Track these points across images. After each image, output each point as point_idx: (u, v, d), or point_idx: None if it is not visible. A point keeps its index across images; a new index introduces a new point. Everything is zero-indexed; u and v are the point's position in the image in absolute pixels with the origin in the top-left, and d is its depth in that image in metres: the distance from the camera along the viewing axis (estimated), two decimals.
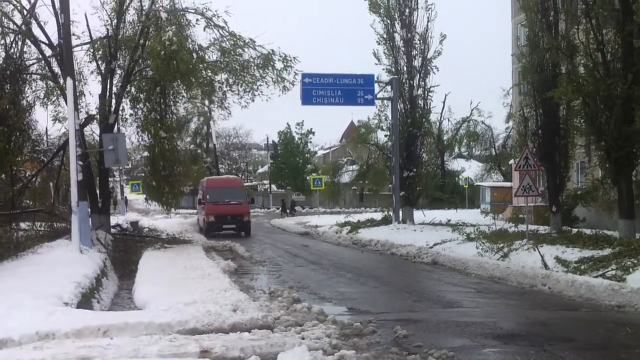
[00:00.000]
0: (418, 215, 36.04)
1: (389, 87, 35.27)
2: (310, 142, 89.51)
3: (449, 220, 33.58)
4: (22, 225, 23.26)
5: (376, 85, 35.48)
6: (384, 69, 34.98)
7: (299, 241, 32.24)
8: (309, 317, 11.55)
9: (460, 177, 71.80)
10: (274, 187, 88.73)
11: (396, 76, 34.37)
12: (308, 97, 34.73)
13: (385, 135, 38.91)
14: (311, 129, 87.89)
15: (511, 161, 45.30)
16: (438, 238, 25.59)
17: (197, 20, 26.07)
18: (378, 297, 15.29)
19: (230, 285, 14.05)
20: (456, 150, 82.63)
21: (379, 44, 34.46)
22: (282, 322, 11.04)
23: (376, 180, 55.34)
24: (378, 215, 38.24)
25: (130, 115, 28.11)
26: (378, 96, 35.63)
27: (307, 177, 76.39)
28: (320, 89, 34.85)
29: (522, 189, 22.35)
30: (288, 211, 65.95)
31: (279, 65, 26.37)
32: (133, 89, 28.14)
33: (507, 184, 50.04)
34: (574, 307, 13.54)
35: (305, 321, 11.15)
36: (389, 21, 34.27)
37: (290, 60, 26.36)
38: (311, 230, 38.24)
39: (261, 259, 23.29)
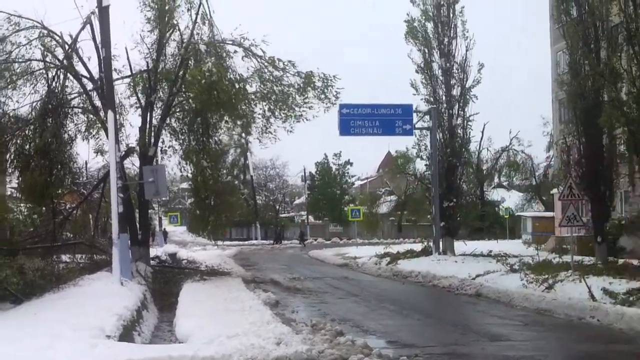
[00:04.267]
0: (459, 246, 35.59)
1: (427, 117, 35.09)
2: (348, 172, 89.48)
3: (491, 251, 33.05)
4: (63, 257, 23.43)
5: (414, 114, 35.31)
6: (422, 99, 34.89)
7: (339, 273, 31.99)
8: (353, 350, 11.32)
9: (501, 207, 71.07)
10: (311, 218, 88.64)
11: (435, 106, 34.22)
12: (346, 128, 34.67)
13: (425, 165, 38.69)
14: (349, 159, 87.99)
15: (553, 190, 44.70)
16: (480, 269, 25.15)
17: (235, 50, 26.25)
18: (423, 330, 15.01)
19: (272, 318, 13.89)
20: (496, 180, 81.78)
21: (417, 72, 34.43)
22: (326, 355, 10.82)
23: (415, 211, 55.11)
24: (417, 246, 37.83)
25: (170, 147, 28.33)
26: (417, 126, 35.45)
27: (345, 208, 76.24)
28: (358, 119, 34.78)
29: (567, 219, 21.92)
30: (299, 241, 67.56)
31: (319, 84, 26.36)
32: (173, 121, 28.38)
33: (549, 214, 49.25)
34: (625, 340, 13.12)
35: (350, 355, 10.93)
36: (426, 50, 34.24)
37: (330, 79, 26.32)
38: (350, 262, 37.94)
39: (302, 291, 23.10)
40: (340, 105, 31.95)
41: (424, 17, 34.57)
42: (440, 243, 33.79)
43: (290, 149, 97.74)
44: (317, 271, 33.06)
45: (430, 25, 34.54)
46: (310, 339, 12.18)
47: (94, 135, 28.03)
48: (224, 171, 31.44)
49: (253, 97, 26.44)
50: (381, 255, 36.50)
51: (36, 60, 25.52)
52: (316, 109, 26.55)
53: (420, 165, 41.47)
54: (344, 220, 76.30)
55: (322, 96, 26.31)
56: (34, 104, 25.76)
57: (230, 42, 26.26)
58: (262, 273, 30.01)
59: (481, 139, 67.63)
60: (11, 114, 25.59)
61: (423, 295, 22.76)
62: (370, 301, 20.17)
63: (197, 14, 26.80)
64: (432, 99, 34.51)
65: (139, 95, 27.99)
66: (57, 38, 25.59)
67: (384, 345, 12.31)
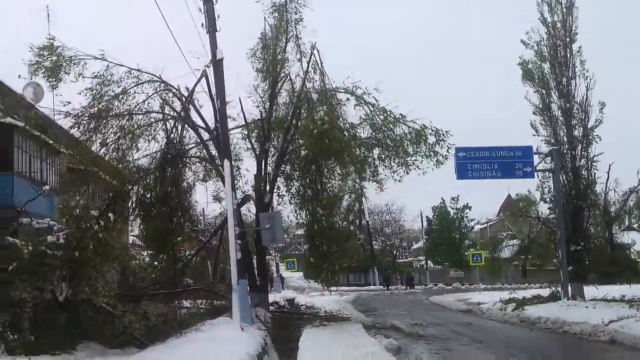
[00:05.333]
0: (589, 290, 34.18)
1: (548, 159, 34.22)
2: (466, 216, 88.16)
3: (624, 296, 31.54)
4: (185, 303, 24.13)
5: (535, 156, 34.52)
6: (542, 140, 34.06)
7: (461, 319, 31.32)
8: None
9: (632, 250, 67.95)
10: (430, 263, 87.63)
11: (556, 147, 33.35)
12: (463, 172, 34.19)
13: (549, 208, 37.61)
14: (467, 203, 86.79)
15: None
16: (614, 315, 23.98)
17: (347, 98, 26.59)
18: None
19: None
20: (626, 222, 78.24)
21: (534, 114, 33.81)
22: None
23: (540, 255, 53.29)
24: (544, 292, 36.55)
25: (286, 193, 28.91)
26: (538, 168, 34.59)
27: (465, 253, 75.08)
28: (476, 163, 34.24)
29: None
30: (405, 286, 69.56)
31: (431, 139, 26.16)
32: (287, 168, 28.98)
33: None
34: None
35: None
36: (544, 91, 33.61)
37: (443, 135, 26.11)
38: (473, 307, 37.12)
39: (424, 337, 22.77)
40: (457, 149, 31.59)
41: (539, 59, 34.04)
42: (569, 288, 32.58)
43: (406, 194, 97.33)
44: (439, 317, 32.50)
45: (546, 66, 33.92)
46: None
47: (210, 183, 29.08)
48: (339, 217, 31.64)
49: (365, 143, 26.59)
50: (506, 300, 35.53)
51: (155, 112, 26.73)
52: (426, 164, 26.48)
53: (544, 208, 40.28)
54: (464, 265, 75.17)
55: (432, 153, 26.16)
56: (154, 154, 26.94)
57: (342, 90, 26.65)
58: (383, 319, 29.76)
59: (607, 179, 64.32)
60: (133, 164, 26.82)
61: (554, 342, 21.91)
62: (497, 349, 19.60)
63: (308, 63, 27.51)
64: (552, 140, 33.68)
65: (254, 143, 28.87)
66: (175, 91, 26.79)
67: None
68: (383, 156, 26.96)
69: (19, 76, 24.84)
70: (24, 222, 19.93)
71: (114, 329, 18.56)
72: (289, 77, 28.17)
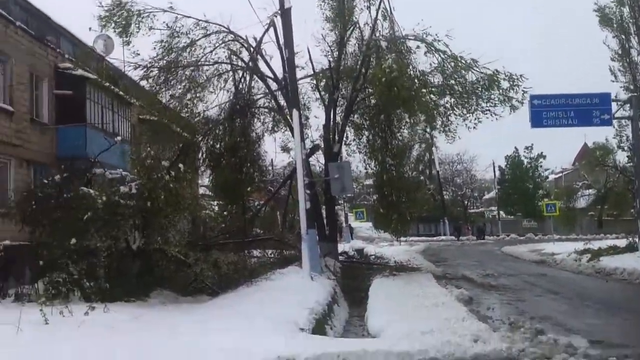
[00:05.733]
0: None
1: (627, 106, 33.10)
2: (540, 165, 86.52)
3: None
4: (254, 252, 24.49)
5: (613, 103, 33.43)
6: (621, 87, 33.03)
7: (535, 269, 30.98)
8: (556, 350, 10.90)
9: None
10: (502, 213, 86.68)
11: (635, 94, 32.22)
12: (538, 120, 33.32)
13: (627, 157, 36.58)
14: (541, 152, 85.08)
15: None
16: None
17: (417, 46, 26.12)
18: (632, 330, 14.18)
19: (467, 315, 13.71)
20: None
21: (613, 60, 32.71)
22: (527, 354, 10.52)
23: (616, 205, 52.14)
24: (621, 242, 35.78)
25: (354, 142, 28.82)
26: (616, 115, 33.51)
27: (539, 203, 73.96)
28: (551, 111, 33.32)
29: None
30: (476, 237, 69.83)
31: (504, 84, 25.58)
32: (356, 118, 28.84)
33: None
34: None
35: (553, 354, 10.54)
36: (623, 36, 32.43)
37: (517, 79, 25.46)
38: (547, 258, 36.63)
39: (496, 288, 22.63)
40: (531, 96, 30.78)
41: (617, 2, 32.78)
42: None
43: (478, 143, 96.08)
44: (511, 268, 32.22)
45: (626, 11, 32.68)
46: (509, 337, 11.86)
47: (278, 132, 29.23)
48: (408, 167, 31.41)
49: (435, 91, 26.17)
50: (581, 251, 34.92)
51: (223, 62, 26.83)
52: (500, 110, 25.89)
53: (621, 157, 39.24)
54: (537, 216, 74.06)
55: (506, 98, 25.53)
56: (223, 105, 27.15)
57: (412, 38, 26.13)
58: (453, 269, 29.68)
59: None
60: (202, 115, 27.11)
61: (630, 293, 21.49)
62: (571, 299, 19.35)
63: (377, 10, 27.05)
64: (631, 86, 32.57)
65: (322, 93, 28.75)
66: (242, 41, 26.78)
67: (589, 345, 11.73)
68: (454, 104, 26.51)
69: (90, 29, 25.22)
70: (97, 173, 20.46)
71: (186, 277, 19.04)
72: (357, 25, 27.86)
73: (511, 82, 25.46)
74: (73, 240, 16.42)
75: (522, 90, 25.67)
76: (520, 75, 25.41)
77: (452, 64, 25.59)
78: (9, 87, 23.19)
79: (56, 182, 18.10)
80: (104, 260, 17.06)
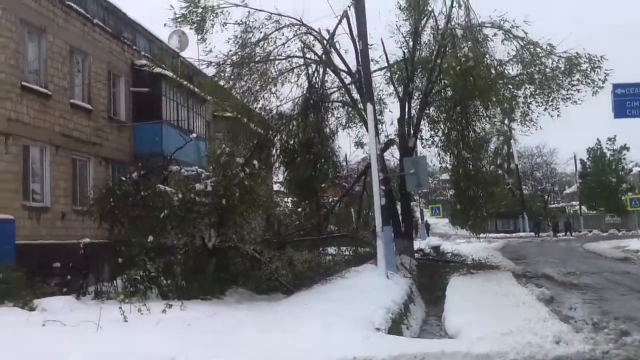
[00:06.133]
0: None
1: None
2: (624, 158, 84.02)
3: None
4: (329, 250, 24.50)
5: None
6: None
7: (618, 267, 30.09)
8: None
9: None
10: (584, 208, 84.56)
11: None
12: (621, 110, 32.24)
13: None
14: (625, 144, 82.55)
15: None
16: None
17: (494, 34, 25.59)
18: None
19: (549, 315, 13.40)
20: None
21: None
22: (611, 356, 10.23)
23: None
24: None
25: (430, 137, 28.51)
26: None
27: (622, 197, 71.85)
28: (635, 100, 32.30)
29: None
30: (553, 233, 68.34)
31: (584, 66, 24.91)
32: (432, 111, 28.49)
33: None
34: None
35: (639, 356, 10.22)
36: None
37: (597, 60, 24.76)
38: (631, 255, 35.54)
39: (578, 287, 22.08)
40: (614, 85, 29.86)
41: None
42: None
43: (558, 136, 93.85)
44: (594, 265, 31.39)
45: None
46: (593, 338, 11.54)
47: (353, 128, 29.12)
48: (486, 161, 30.90)
49: (513, 81, 25.66)
50: None
51: (296, 57, 26.89)
52: (582, 93, 25.21)
53: None
54: (621, 211, 71.98)
55: (588, 80, 24.87)
56: (296, 100, 27.21)
57: (489, 25, 25.61)
58: (533, 267, 29.08)
59: None
60: (275, 111, 27.26)
61: None
62: None
63: None
64: None
65: (396, 85, 28.50)
66: (315, 34, 26.75)
67: None
68: (534, 93, 25.92)
69: (165, 25, 25.62)
70: (173, 170, 20.79)
71: (261, 275, 19.17)
72: (432, 14, 27.47)
73: (592, 64, 24.80)
74: (150, 238, 16.74)
75: (604, 73, 24.96)
76: (601, 57, 24.72)
77: (531, 50, 25.03)
78: (87, 86, 23.82)
79: (134, 179, 18.47)
80: (180, 258, 17.33)
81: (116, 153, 25.27)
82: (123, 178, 19.29)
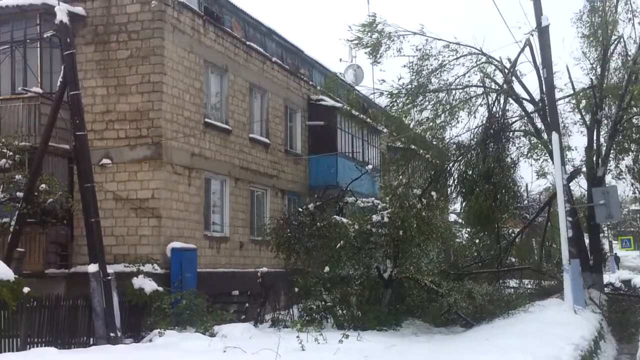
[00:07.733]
0: None
1: None
2: None
3: None
4: (510, 282, 23.84)
5: None
6: None
7: None
8: None
9: None
10: None
11: None
12: None
13: None
14: None
15: None
16: None
17: None
18: None
19: None
20: None
21: None
22: None
23: None
24: None
25: (619, 166, 27.33)
26: None
27: None
28: None
29: None
30: None
31: None
32: (621, 138, 27.26)
33: None
34: None
35: None
36: None
37: None
38: None
39: None
40: None
41: None
42: None
43: None
44: None
45: None
46: None
47: (535, 158, 28.33)
48: None
49: None
50: None
51: (475, 86, 26.57)
52: None
53: None
54: None
55: None
56: (474, 130, 26.82)
57: None
58: None
59: None
60: (452, 141, 27.00)
61: None
62: None
63: None
64: None
65: (582, 113, 27.51)
66: (496, 63, 26.30)
67: None
68: None
69: (340, 59, 26.20)
70: (349, 202, 21.08)
71: (438, 307, 18.93)
72: (621, 39, 26.35)
73: None
74: (327, 269, 17.01)
75: None
76: None
77: None
78: (265, 121, 24.83)
79: (310, 210, 18.90)
80: (356, 288, 17.47)
81: (292, 185, 26.07)
82: (300, 209, 19.79)
